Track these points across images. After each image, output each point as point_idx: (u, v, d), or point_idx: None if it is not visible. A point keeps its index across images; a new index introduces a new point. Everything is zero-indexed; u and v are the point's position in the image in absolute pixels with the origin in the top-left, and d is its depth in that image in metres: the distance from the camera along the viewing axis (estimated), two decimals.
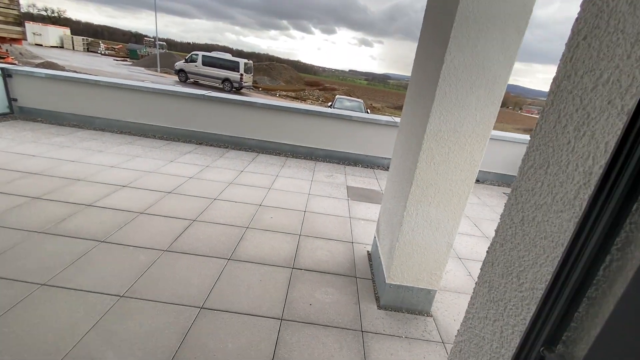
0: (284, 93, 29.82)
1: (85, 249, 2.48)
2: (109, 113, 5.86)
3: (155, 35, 33.44)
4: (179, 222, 3.05)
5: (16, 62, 18.60)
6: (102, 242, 2.60)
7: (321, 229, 3.27)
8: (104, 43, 48.28)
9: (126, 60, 37.40)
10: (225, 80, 23.45)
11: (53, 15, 74.77)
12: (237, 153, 5.54)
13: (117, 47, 48.39)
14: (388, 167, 5.78)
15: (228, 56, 24.30)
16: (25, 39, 21.00)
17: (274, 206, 3.65)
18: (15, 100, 5.88)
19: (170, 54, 33.96)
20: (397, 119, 5.75)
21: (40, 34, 38.67)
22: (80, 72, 18.37)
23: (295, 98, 29.25)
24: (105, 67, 27.68)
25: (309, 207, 3.76)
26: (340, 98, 15.15)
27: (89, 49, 42.31)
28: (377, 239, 2.75)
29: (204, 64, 23.59)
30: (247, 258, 2.64)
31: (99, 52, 42.60)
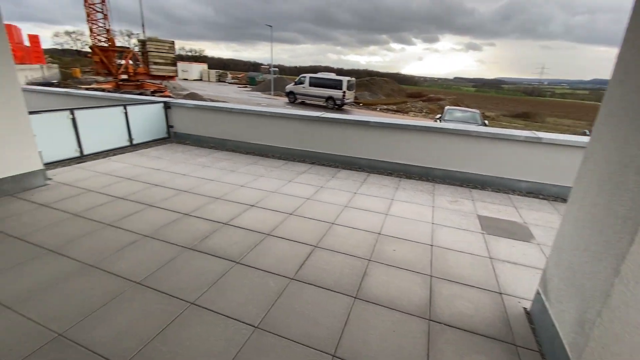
0: (384, 106, 29.44)
1: (224, 269, 2.64)
2: (238, 136, 6.60)
3: (269, 62, 37.90)
4: (301, 247, 3.03)
5: (171, 94, 23.66)
6: (238, 263, 2.74)
7: (456, 271, 2.78)
8: (231, 73, 57.32)
9: (246, 87, 43.38)
10: (329, 98, 24.60)
11: (196, 54, 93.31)
12: (348, 173, 5.46)
13: (239, 76, 56.78)
14: (527, 193, 4.79)
15: (332, 75, 25.51)
16: (177, 75, 26.69)
17: (394, 236, 3.33)
18: (172, 126, 7.21)
19: (282, 78, 37.87)
20: (541, 135, 4.74)
21: (187, 71, 48.44)
22: (215, 100, 22.01)
23: (397, 111, 28.54)
24: (231, 93, 32.60)
25: (435, 239, 3.30)
26: (451, 109, 13.91)
27: (219, 79, 50.85)
28: (543, 297, 2.12)
29: (311, 84, 25.29)
30: (374, 299, 2.38)
31: (226, 81, 50.75)
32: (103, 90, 19.24)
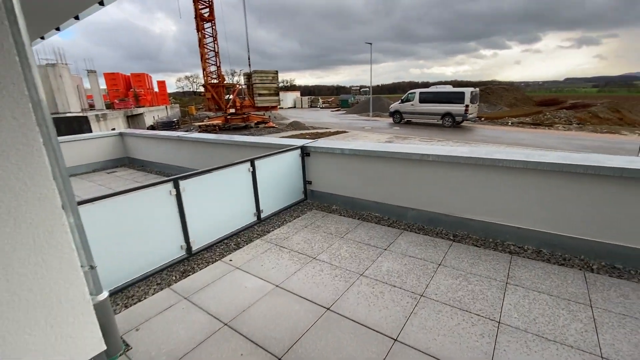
0: (516, 120, 23.65)
1: None
2: (431, 203, 3.60)
3: (360, 84, 35.73)
4: None
5: (274, 125, 23.11)
6: None
7: None
8: (321, 98, 57.66)
9: (339, 110, 42.09)
10: (446, 115, 20.58)
11: (287, 84, 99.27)
12: None
13: (330, 100, 56.65)
14: None
15: (449, 88, 21.52)
16: (279, 105, 26.53)
17: None
18: (309, 182, 4.68)
19: (379, 98, 35.18)
20: None
21: (282, 99, 50.11)
22: (316, 127, 20.08)
23: (534, 124, 22.49)
24: (327, 118, 31.20)
25: None
26: None
27: (311, 105, 51.21)
28: None
29: (421, 101, 21.77)
30: None
31: (317, 106, 50.80)
32: (214, 126, 19.34)
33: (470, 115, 20.46)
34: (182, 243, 3.09)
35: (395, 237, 3.46)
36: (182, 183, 3.00)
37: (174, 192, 2.93)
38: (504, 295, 2.40)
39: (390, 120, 24.66)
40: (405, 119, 23.48)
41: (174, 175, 3.02)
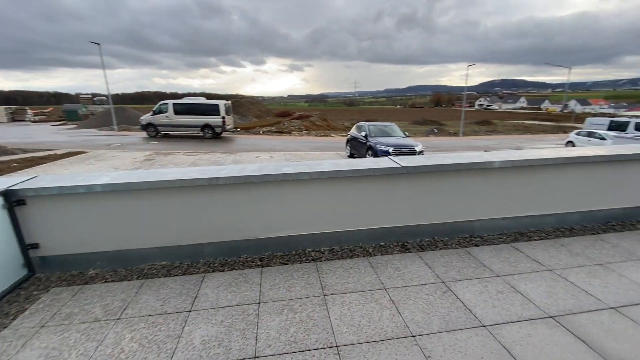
0: (265, 129, 27.33)
1: None
2: (223, 233, 3.17)
3: (89, 92, 29.16)
4: None
5: None
6: None
7: None
8: (30, 109, 41.74)
9: (65, 124, 32.22)
10: (206, 126, 20.52)
11: None
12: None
13: (47, 110, 42.22)
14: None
15: (203, 100, 21.54)
16: None
17: None
18: (35, 246, 2.93)
19: (123, 109, 29.72)
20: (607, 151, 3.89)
21: None
22: (28, 150, 13.74)
23: (278, 132, 26.95)
24: (47, 135, 22.99)
25: None
26: (374, 125, 13.21)
27: (15, 118, 36.04)
28: None
29: (177, 112, 20.49)
30: None
31: (26, 119, 36.52)
32: None
33: (229, 127, 21.52)
34: None
35: (197, 286, 2.75)
36: None
37: None
38: (328, 312, 2.39)
39: (144, 134, 21.54)
40: (162, 132, 21.31)
41: None
